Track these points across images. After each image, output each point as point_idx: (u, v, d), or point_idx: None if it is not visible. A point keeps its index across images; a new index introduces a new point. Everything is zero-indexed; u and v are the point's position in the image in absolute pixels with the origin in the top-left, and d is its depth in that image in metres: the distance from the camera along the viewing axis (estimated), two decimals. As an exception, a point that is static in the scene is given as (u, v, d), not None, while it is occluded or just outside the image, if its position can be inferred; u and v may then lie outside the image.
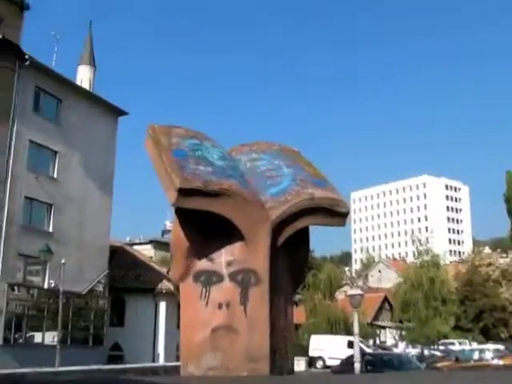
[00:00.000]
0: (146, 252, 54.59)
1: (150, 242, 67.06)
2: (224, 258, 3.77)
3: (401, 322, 59.66)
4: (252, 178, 4.09)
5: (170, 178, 3.63)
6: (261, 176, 4.17)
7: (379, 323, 66.50)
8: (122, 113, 40.71)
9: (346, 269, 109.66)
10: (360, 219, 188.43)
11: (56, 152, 35.19)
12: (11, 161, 32.00)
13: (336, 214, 3.89)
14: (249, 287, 3.69)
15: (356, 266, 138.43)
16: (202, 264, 3.79)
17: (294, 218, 3.83)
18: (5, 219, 31.18)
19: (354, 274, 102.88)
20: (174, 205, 3.61)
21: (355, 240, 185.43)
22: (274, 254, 3.71)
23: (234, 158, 4.38)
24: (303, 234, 3.98)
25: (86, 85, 40.30)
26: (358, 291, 26.84)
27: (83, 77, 41.23)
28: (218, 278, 3.74)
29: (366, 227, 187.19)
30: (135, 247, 53.35)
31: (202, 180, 3.61)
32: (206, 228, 3.79)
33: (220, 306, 3.68)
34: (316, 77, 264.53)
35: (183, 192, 3.53)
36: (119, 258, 41.81)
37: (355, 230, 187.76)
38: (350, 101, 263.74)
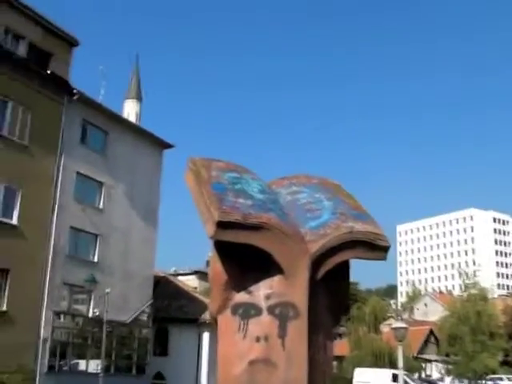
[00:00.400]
0: (191, 282, 54.73)
1: (195, 272, 67.33)
2: (262, 291, 3.75)
3: (447, 355, 58.46)
4: (292, 211, 4.08)
5: (209, 210, 3.63)
6: (300, 209, 4.15)
7: (425, 357, 65.28)
8: (168, 146, 41.25)
9: (392, 302, 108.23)
10: (406, 252, 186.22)
11: (102, 183, 35.77)
12: (58, 192, 32.63)
13: (376, 248, 3.84)
14: (287, 321, 3.65)
15: (401, 298, 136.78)
16: (241, 297, 3.77)
17: (333, 251, 3.78)
18: (51, 249, 31.71)
19: (399, 307, 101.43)
20: (212, 237, 3.62)
21: (401, 273, 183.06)
22: (313, 288, 3.68)
23: (273, 191, 4.39)
24: (343, 267, 3.95)
25: (132, 118, 41.05)
26: (403, 324, 26.46)
27: (130, 110, 42.06)
28: (257, 311, 3.71)
29: (412, 260, 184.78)
30: (180, 278, 53.55)
31: (241, 213, 3.61)
32: (244, 261, 3.79)
33: (258, 339, 3.64)
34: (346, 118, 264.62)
35: (222, 225, 3.54)
36: (163, 288, 42.05)
37: (401, 263, 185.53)
38: (397, 134, 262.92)
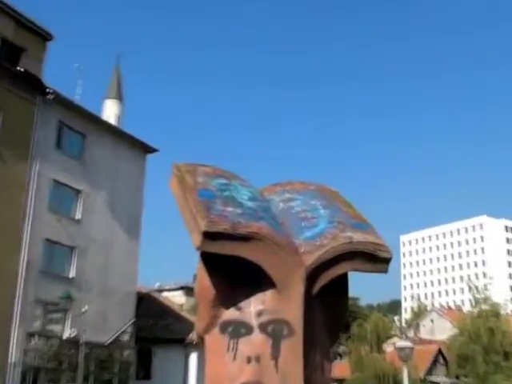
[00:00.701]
0: (177, 299, 54.66)
1: (181, 288, 67.29)
2: (253, 307, 3.74)
3: (457, 377, 58.39)
4: (285, 219, 4.09)
5: (195, 219, 3.63)
6: (295, 218, 4.16)
7: (433, 379, 65.11)
8: (152, 150, 41.24)
9: (396, 318, 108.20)
10: (410, 264, 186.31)
11: (79, 191, 35.71)
12: (31, 201, 32.51)
13: (377, 260, 3.85)
14: (281, 339, 3.64)
15: (406, 315, 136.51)
16: (230, 314, 3.77)
17: (330, 263, 3.79)
18: (23, 263, 31.56)
19: (403, 324, 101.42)
20: (198, 249, 3.61)
21: (405, 287, 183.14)
22: (308, 304, 3.68)
23: (265, 198, 4.40)
24: (342, 281, 3.95)
25: (112, 120, 41.00)
26: (408, 343, 26.48)
27: (110, 111, 41.99)
28: (247, 329, 3.70)
29: (417, 273, 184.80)
30: (165, 294, 53.48)
31: (230, 222, 3.61)
32: (233, 274, 3.79)
33: (249, 360, 3.63)
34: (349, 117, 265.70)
35: (209, 235, 3.53)
36: (146, 305, 41.93)
37: (405, 276, 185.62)
38: (402, 136, 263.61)
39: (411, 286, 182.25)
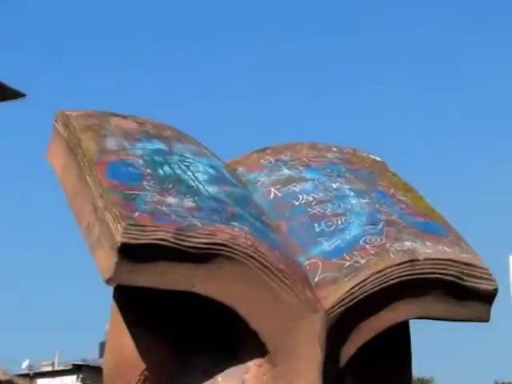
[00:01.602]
0: (67, 390, 55.25)
1: (75, 368, 67.46)
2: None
3: None
4: (282, 220, 4.00)
5: (104, 222, 3.52)
6: (302, 216, 4.08)
7: None
8: (11, 94, 41.36)
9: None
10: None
11: None
12: None
13: (468, 296, 3.74)
14: None
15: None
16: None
17: (373, 305, 3.69)
18: None
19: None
20: (109, 281, 3.48)
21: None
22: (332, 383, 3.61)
23: (241, 178, 4.29)
24: (397, 340, 3.86)
25: None
26: None
27: None
28: None
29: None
30: (42, 381, 53.93)
31: (174, 226, 3.50)
32: (183, 331, 3.69)
33: None
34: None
35: (131, 252, 3.41)
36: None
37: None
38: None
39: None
